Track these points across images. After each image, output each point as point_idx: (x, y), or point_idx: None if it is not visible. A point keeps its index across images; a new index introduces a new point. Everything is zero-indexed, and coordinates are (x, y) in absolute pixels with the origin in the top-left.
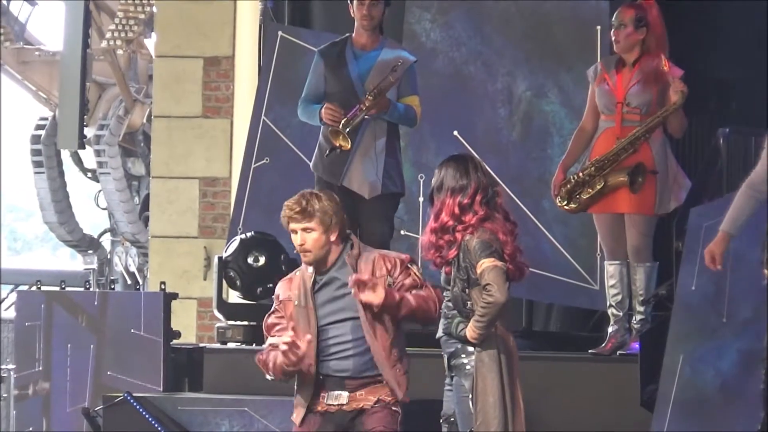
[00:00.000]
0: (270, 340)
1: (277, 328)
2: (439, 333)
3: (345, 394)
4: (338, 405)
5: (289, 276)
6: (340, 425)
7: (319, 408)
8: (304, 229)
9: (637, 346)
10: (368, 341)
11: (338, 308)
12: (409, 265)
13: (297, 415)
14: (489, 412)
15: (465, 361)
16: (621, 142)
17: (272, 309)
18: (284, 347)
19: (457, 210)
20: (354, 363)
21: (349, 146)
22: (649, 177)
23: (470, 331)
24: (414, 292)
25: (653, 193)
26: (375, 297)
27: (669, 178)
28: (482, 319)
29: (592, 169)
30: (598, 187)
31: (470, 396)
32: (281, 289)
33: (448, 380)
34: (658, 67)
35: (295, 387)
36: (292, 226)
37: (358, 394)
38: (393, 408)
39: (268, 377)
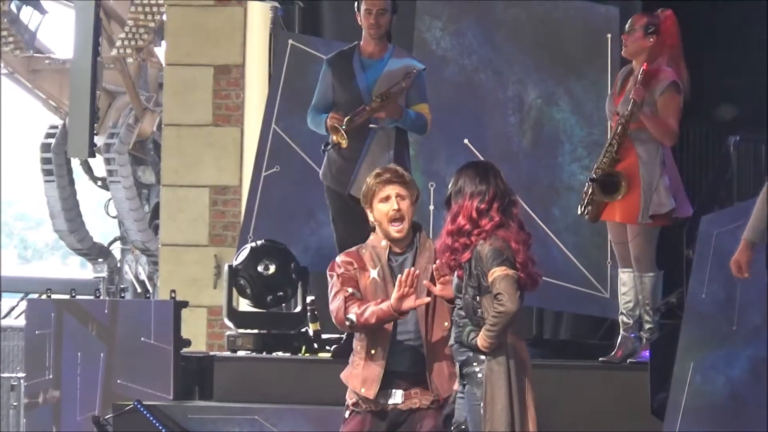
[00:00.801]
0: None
1: (352, 283)
2: (451, 341)
3: (400, 392)
4: (393, 404)
5: (353, 249)
6: (394, 424)
7: (375, 408)
8: (399, 195)
9: (647, 354)
10: (422, 335)
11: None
12: None
13: (367, 389)
14: (496, 420)
15: (477, 369)
16: (602, 151)
17: (339, 271)
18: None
19: (474, 214)
20: (410, 358)
21: (346, 144)
22: (634, 185)
23: (481, 339)
24: None
25: (638, 202)
26: (448, 292)
27: (653, 186)
28: (493, 329)
29: (589, 179)
30: (593, 196)
31: (481, 404)
32: (353, 257)
33: (459, 388)
34: (647, 73)
35: (357, 368)
36: (388, 190)
37: (412, 392)
38: (444, 410)
39: (347, 320)
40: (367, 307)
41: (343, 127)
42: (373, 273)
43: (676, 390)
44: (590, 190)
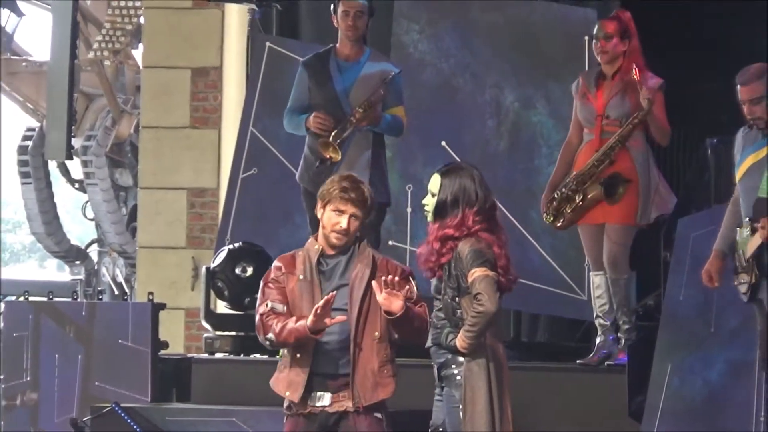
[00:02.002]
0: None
1: (275, 294)
2: (429, 343)
3: (328, 395)
4: (321, 407)
5: (289, 253)
6: (324, 426)
7: (304, 410)
8: (353, 215)
9: (624, 357)
10: (350, 339)
11: (338, 295)
12: (410, 278)
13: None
14: (477, 421)
15: (455, 371)
16: (596, 153)
17: (268, 278)
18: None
19: (461, 222)
20: (338, 361)
21: (339, 157)
22: (632, 187)
23: (460, 341)
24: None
25: (636, 203)
26: (396, 305)
27: (651, 188)
28: (472, 329)
29: (574, 183)
30: (578, 201)
31: (460, 406)
32: (283, 262)
33: (438, 390)
34: (633, 78)
35: (283, 371)
36: (342, 207)
37: (340, 395)
38: (376, 414)
39: (267, 339)
40: (285, 325)
41: (338, 141)
42: (301, 276)
43: (653, 392)
44: (580, 196)
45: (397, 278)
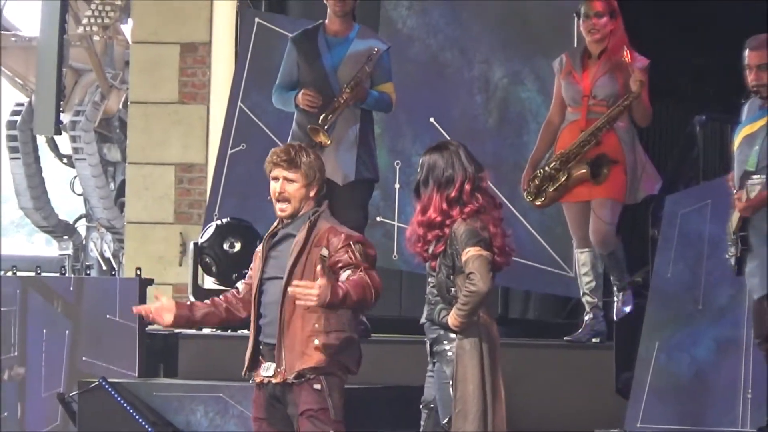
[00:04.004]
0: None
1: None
2: (422, 319)
3: (272, 365)
4: (266, 377)
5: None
6: (274, 397)
7: (257, 381)
8: (286, 178)
9: (629, 308)
10: (278, 308)
11: (278, 265)
12: (351, 243)
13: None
14: (468, 400)
15: (447, 347)
16: (583, 134)
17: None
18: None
19: (444, 205)
20: (274, 329)
21: (329, 142)
22: (618, 167)
23: (452, 318)
24: (350, 277)
25: (623, 182)
26: (315, 300)
27: (638, 168)
28: (464, 308)
29: (557, 162)
30: (562, 180)
31: (450, 382)
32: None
33: (430, 366)
34: (622, 58)
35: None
36: (275, 173)
37: (281, 367)
38: (315, 385)
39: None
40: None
41: (326, 127)
42: (258, 248)
43: (641, 369)
44: (564, 175)
45: (319, 267)
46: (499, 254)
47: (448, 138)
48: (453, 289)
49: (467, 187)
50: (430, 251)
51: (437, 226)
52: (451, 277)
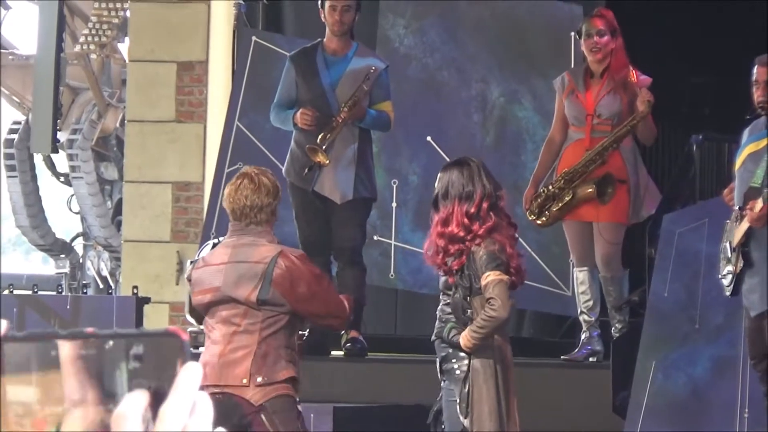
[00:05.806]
0: None
1: None
2: (433, 336)
3: None
4: None
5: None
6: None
7: None
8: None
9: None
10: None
11: None
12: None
13: None
14: (485, 422)
15: (455, 366)
16: (589, 153)
17: None
18: None
19: (466, 220)
20: None
21: (328, 162)
22: (622, 186)
23: (465, 339)
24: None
25: (627, 202)
26: None
27: (641, 187)
28: (480, 331)
29: (562, 181)
30: (567, 199)
31: (457, 401)
32: None
33: (443, 383)
34: (626, 77)
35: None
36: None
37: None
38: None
39: None
40: None
41: (324, 146)
42: None
43: (637, 388)
44: (569, 195)
45: None
46: (515, 274)
47: (446, 157)
48: (470, 310)
49: (485, 204)
50: (449, 264)
51: (459, 240)
52: (468, 298)
